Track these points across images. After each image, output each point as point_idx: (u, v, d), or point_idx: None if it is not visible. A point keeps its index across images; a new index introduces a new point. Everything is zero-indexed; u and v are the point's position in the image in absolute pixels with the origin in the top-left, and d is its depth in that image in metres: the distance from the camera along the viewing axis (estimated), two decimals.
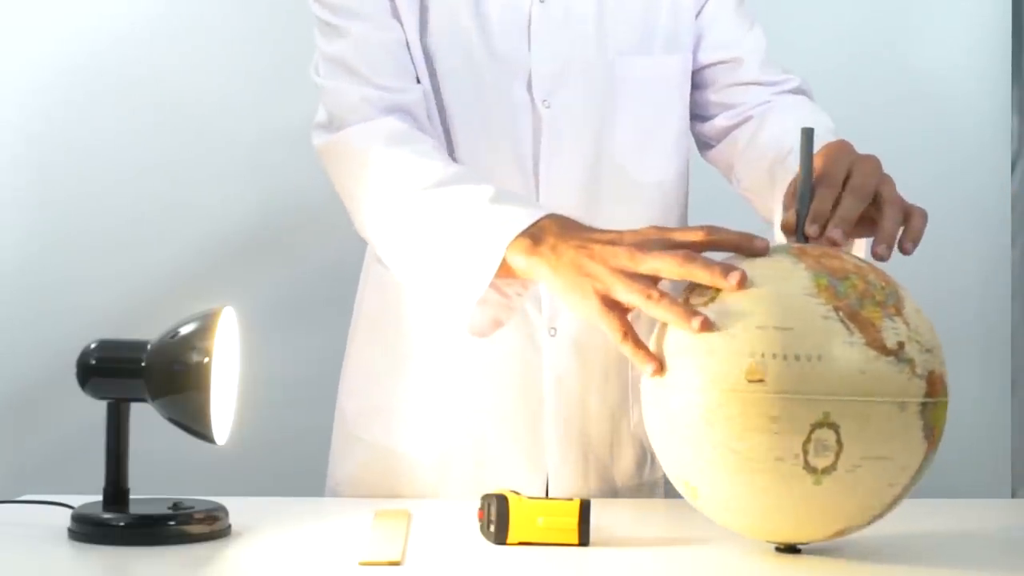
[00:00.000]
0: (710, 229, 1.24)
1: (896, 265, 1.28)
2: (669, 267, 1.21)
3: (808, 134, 1.27)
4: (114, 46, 2.35)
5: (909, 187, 1.36)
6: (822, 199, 1.27)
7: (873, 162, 1.32)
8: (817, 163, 1.29)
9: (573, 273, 1.26)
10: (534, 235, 1.30)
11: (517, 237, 1.31)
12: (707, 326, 1.17)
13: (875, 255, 1.27)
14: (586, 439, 1.60)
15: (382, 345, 1.63)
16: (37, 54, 2.35)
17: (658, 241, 1.24)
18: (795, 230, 1.28)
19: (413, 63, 1.54)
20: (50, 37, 2.35)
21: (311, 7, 1.56)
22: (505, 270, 1.33)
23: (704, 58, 1.64)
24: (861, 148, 1.35)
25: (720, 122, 1.65)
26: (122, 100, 2.35)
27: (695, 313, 1.18)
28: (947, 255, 2.40)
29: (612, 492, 1.61)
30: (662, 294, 1.21)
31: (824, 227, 1.26)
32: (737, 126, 1.64)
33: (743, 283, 1.17)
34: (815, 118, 1.54)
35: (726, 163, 1.65)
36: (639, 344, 1.22)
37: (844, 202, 1.28)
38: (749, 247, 1.22)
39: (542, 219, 1.32)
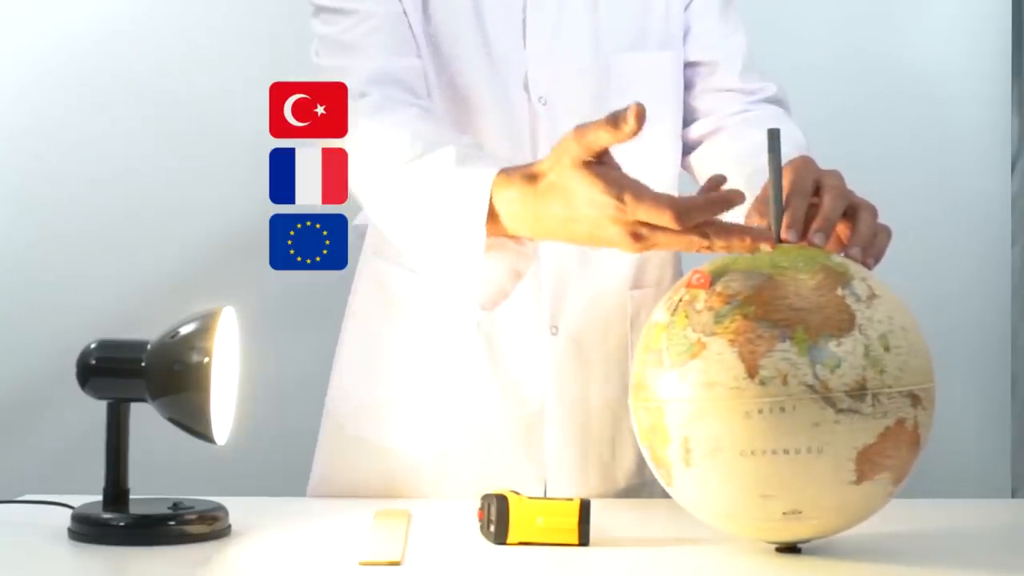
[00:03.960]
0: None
1: (896, 265, 1.29)
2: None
3: (774, 135, 1.27)
4: (112, 43, 2.35)
5: (909, 187, 1.36)
6: (796, 208, 1.27)
7: (839, 174, 1.32)
8: (784, 178, 1.29)
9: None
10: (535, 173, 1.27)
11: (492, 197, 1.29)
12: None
13: (849, 257, 1.27)
14: (586, 438, 1.60)
15: (375, 343, 1.63)
16: (34, 52, 2.35)
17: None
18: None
19: (414, 35, 1.54)
20: (48, 35, 2.35)
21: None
22: (496, 227, 1.31)
23: (686, 55, 1.63)
24: (862, 147, 1.35)
25: (696, 129, 1.64)
26: (124, 99, 2.35)
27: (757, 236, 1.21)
28: (947, 256, 2.40)
29: (614, 491, 1.61)
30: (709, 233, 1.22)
31: (803, 232, 1.26)
32: (710, 135, 1.63)
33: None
34: (786, 133, 1.54)
35: (697, 172, 1.65)
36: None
37: (826, 203, 1.28)
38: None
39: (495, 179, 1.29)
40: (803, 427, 1.15)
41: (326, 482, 1.66)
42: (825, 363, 1.15)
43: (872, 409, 1.16)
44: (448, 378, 1.59)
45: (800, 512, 1.18)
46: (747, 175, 1.48)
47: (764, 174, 1.35)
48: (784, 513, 1.18)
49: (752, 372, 1.16)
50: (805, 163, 1.33)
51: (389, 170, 1.41)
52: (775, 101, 1.65)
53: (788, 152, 1.31)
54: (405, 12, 1.54)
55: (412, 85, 1.52)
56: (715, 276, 1.22)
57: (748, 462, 1.16)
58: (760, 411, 1.15)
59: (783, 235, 1.26)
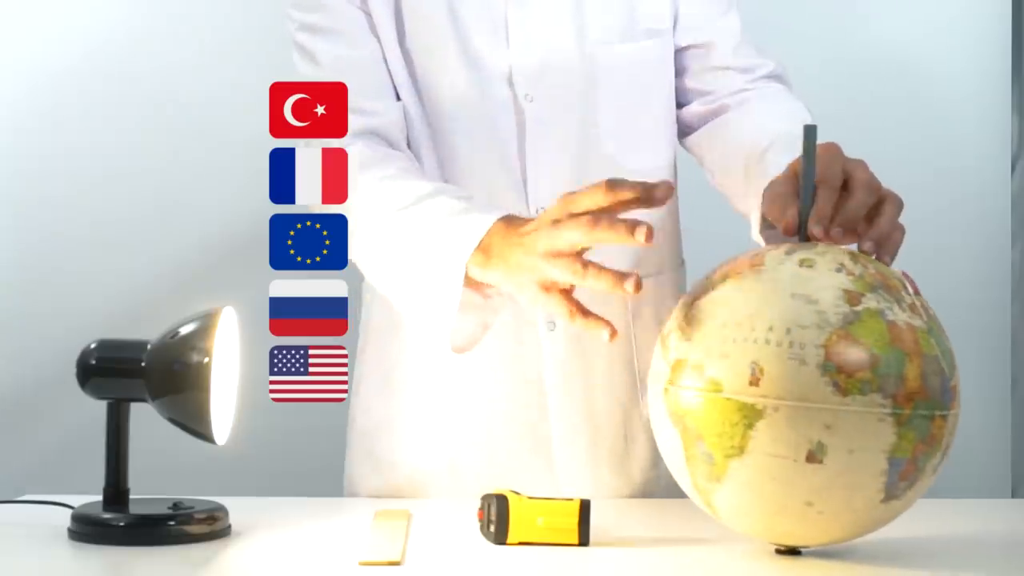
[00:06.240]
0: (609, 184, 1.26)
1: (896, 265, 1.28)
2: (580, 236, 1.25)
3: (811, 131, 1.26)
4: (111, 45, 2.35)
5: (909, 187, 1.36)
6: (824, 200, 1.26)
7: (865, 163, 1.31)
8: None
9: (515, 271, 1.31)
10: (486, 246, 1.35)
11: (472, 253, 1.35)
12: (639, 286, 1.21)
13: (862, 251, 1.26)
14: (596, 433, 1.59)
15: (390, 361, 1.62)
16: (34, 54, 2.35)
17: (569, 212, 1.28)
18: (797, 230, 1.27)
19: (391, 77, 1.56)
20: (48, 37, 2.35)
21: (289, 30, 1.57)
22: (471, 282, 1.37)
23: (678, 41, 1.63)
24: (861, 147, 1.35)
25: (696, 108, 1.64)
26: (123, 99, 2.35)
27: (626, 276, 1.22)
28: (947, 255, 2.40)
29: (629, 486, 1.60)
30: (587, 264, 1.25)
31: (829, 227, 1.26)
32: (713, 114, 1.63)
33: (650, 237, 1.21)
34: (790, 108, 1.53)
35: (701, 152, 1.64)
36: (588, 313, 1.27)
37: (856, 198, 1.26)
38: (648, 197, 1.25)
39: (492, 226, 1.35)
40: None
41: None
42: None
43: None
44: (451, 385, 1.58)
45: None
46: (752, 159, 1.47)
47: (767, 157, 1.34)
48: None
49: None
50: (832, 152, 1.30)
51: (374, 220, 1.45)
52: (774, 77, 1.64)
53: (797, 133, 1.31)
54: (379, 36, 1.54)
55: (390, 136, 1.54)
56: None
57: None
58: None
59: (811, 230, 1.25)
